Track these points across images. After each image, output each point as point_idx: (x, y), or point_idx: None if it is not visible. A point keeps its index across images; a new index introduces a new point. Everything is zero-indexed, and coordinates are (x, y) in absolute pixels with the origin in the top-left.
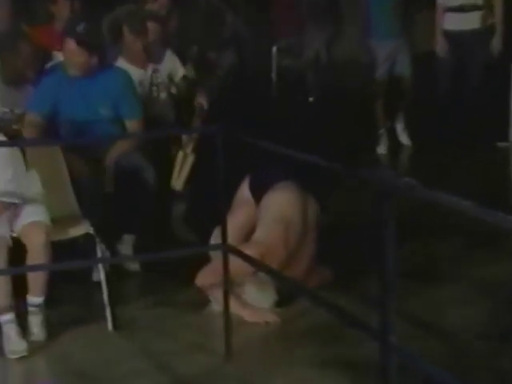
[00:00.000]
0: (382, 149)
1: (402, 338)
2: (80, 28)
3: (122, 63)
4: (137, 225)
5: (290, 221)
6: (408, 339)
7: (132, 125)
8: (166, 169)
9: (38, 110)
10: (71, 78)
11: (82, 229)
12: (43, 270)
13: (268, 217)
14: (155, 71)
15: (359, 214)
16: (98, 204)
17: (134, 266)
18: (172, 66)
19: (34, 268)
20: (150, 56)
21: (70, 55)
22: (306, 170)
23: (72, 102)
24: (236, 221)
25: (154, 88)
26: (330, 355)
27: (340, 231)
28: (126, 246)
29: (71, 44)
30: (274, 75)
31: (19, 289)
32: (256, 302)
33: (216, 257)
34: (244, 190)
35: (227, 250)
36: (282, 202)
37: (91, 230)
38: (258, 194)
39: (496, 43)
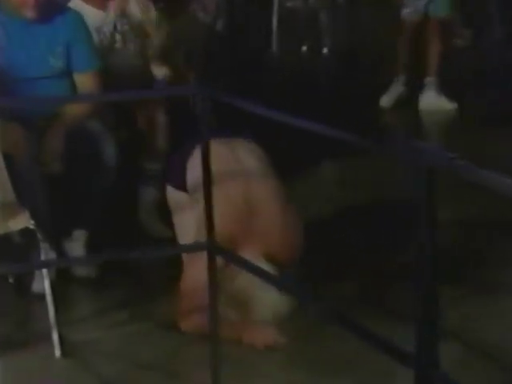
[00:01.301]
0: (385, 101)
1: (446, 365)
2: None
3: (76, 2)
4: (92, 216)
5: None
6: (456, 367)
7: (83, 80)
8: (131, 141)
9: None
10: (14, 19)
11: (20, 222)
12: None
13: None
14: (121, 15)
15: (384, 197)
16: (40, 189)
17: (88, 272)
18: (144, 10)
19: None
20: None
21: None
22: None
23: (14, 49)
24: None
25: (118, 37)
26: None
27: (359, 221)
28: (77, 244)
29: None
30: (275, 20)
31: None
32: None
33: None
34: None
35: (215, 250)
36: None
37: (31, 224)
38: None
39: None
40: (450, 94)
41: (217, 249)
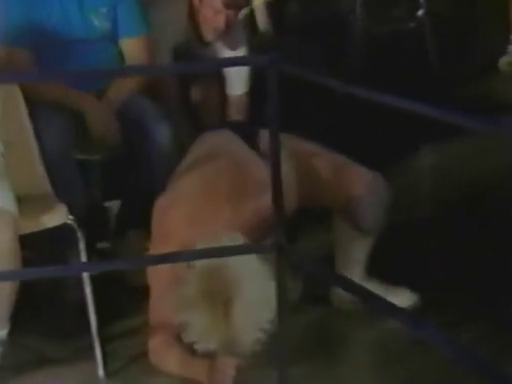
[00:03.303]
0: (505, 63)
1: None
2: None
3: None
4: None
5: None
6: None
7: (132, 46)
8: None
9: (18, 40)
10: None
11: (57, 218)
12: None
13: None
14: None
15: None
16: (81, 180)
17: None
18: None
19: None
20: None
21: None
22: None
23: (52, 9)
24: None
25: None
26: None
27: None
28: (131, 244)
29: None
30: None
31: None
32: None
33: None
34: None
35: (284, 250)
36: None
37: (71, 220)
38: None
39: None
40: None
41: (286, 250)
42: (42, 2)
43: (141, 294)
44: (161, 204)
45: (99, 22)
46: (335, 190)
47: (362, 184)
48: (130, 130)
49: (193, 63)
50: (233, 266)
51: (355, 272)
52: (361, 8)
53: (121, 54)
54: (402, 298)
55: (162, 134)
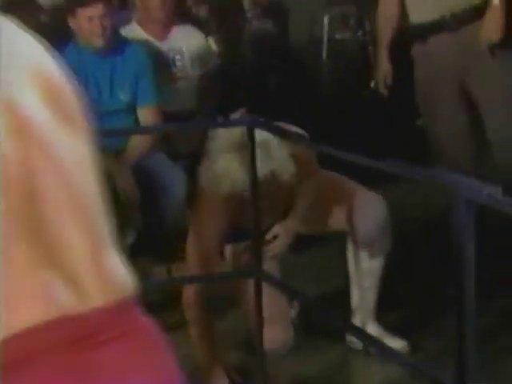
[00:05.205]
0: None
1: None
2: None
3: (135, 30)
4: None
5: None
6: None
7: (145, 113)
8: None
9: None
10: (86, 53)
11: None
12: None
13: None
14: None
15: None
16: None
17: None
18: (198, 44)
19: None
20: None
21: (95, 23)
22: None
23: (86, 84)
24: None
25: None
26: None
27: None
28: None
29: (98, 9)
30: (324, 53)
31: None
32: None
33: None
34: None
35: (262, 277)
36: None
37: None
38: None
39: None
40: None
41: (264, 276)
42: (83, 79)
43: None
44: None
45: (124, 96)
46: (346, 213)
47: (364, 204)
48: (150, 179)
49: (182, 124)
50: None
51: (368, 298)
52: (328, 29)
53: (136, 121)
54: (395, 344)
55: (178, 185)
